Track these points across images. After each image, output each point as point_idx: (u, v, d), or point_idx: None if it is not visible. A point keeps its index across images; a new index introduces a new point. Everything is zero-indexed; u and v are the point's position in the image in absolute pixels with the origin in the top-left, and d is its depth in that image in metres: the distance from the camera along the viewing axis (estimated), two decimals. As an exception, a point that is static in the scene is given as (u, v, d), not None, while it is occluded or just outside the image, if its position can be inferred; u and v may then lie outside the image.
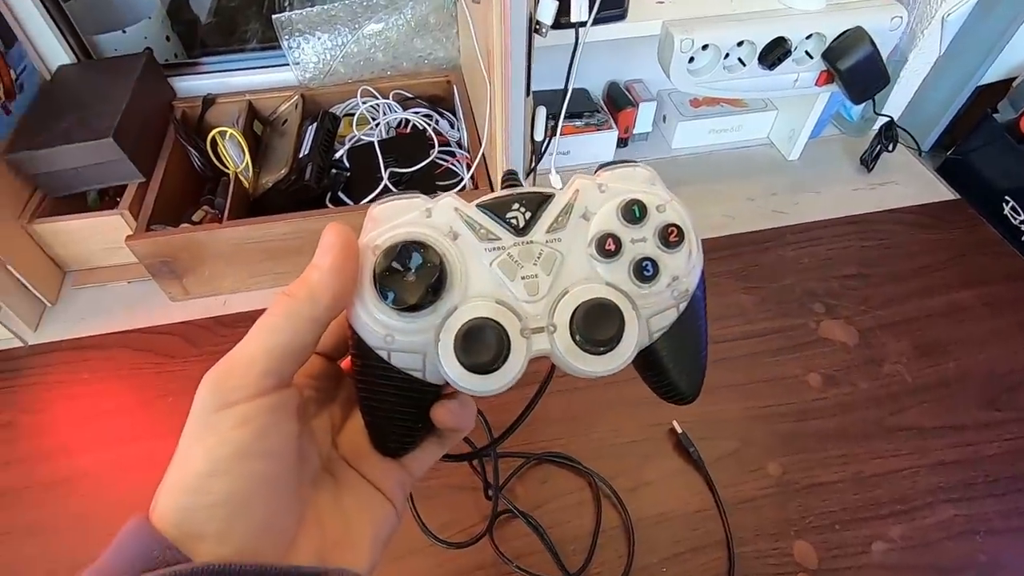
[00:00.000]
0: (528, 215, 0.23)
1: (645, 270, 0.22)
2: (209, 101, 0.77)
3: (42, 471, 0.56)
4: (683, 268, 0.23)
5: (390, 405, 0.23)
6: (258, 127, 0.78)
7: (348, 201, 0.69)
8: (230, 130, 0.71)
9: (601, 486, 0.55)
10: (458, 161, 0.72)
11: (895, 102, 0.84)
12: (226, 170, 0.72)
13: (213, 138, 0.71)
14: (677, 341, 0.23)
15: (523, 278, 0.22)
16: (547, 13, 0.48)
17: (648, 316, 0.23)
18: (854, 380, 0.63)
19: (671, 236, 0.23)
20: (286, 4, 0.76)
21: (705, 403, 0.61)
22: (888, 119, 0.83)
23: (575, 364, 0.22)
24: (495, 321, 0.21)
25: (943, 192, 0.84)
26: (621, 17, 0.64)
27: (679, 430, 0.58)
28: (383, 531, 0.24)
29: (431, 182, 0.71)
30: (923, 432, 0.60)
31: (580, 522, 0.54)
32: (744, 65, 0.68)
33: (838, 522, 0.54)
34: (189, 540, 0.18)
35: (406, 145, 0.73)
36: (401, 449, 0.25)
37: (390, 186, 0.68)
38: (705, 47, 0.66)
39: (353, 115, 0.77)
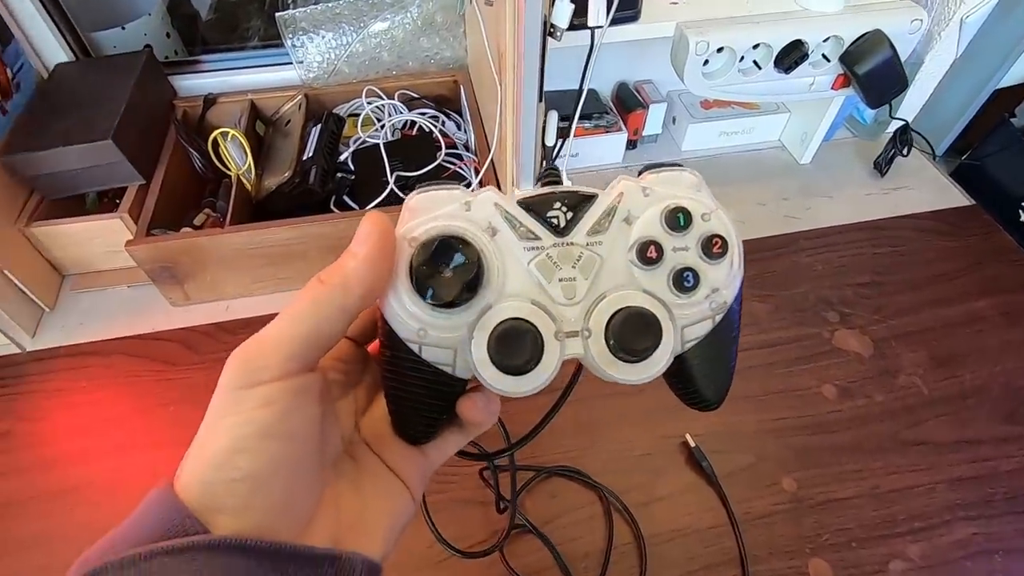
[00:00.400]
0: (569, 215, 0.22)
1: (685, 281, 0.22)
2: (210, 100, 0.75)
3: (44, 481, 0.55)
4: (723, 280, 0.22)
5: (416, 396, 0.23)
6: (260, 127, 0.76)
7: (353, 205, 0.68)
8: (232, 131, 0.69)
9: (612, 501, 0.54)
10: (465, 164, 0.71)
11: (909, 105, 0.83)
12: (228, 172, 0.70)
13: (215, 139, 0.70)
14: (709, 351, 0.23)
15: (560, 280, 0.22)
16: (563, 17, 0.46)
17: (683, 326, 0.22)
18: (869, 392, 0.62)
19: (715, 247, 0.22)
20: (289, 1, 0.74)
21: (719, 414, 0.60)
22: (903, 123, 0.81)
23: (607, 371, 0.22)
24: (530, 323, 0.21)
25: (958, 198, 0.82)
26: (634, 18, 0.63)
27: (692, 443, 0.57)
28: (399, 519, 0.24)
29: (438, 186, 0.69)
30: (939, 447, 0.59)
31: (591, 538, 0.53)
32: (760, 68, 0.67)
33: (854, 539, 0.53)
34: (209, 513, 0.18)
35: (412, 147, 0.71)
36: (423, 437, 0.25)
37: (396, 190, 0.66)
38: (720, 50, 0.64)
39: (358, 116, 0.75)
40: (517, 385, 0.21)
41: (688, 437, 0.58)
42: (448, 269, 0.21)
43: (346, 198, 0.68)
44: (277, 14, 0.70)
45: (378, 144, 0.70)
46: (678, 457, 0.58)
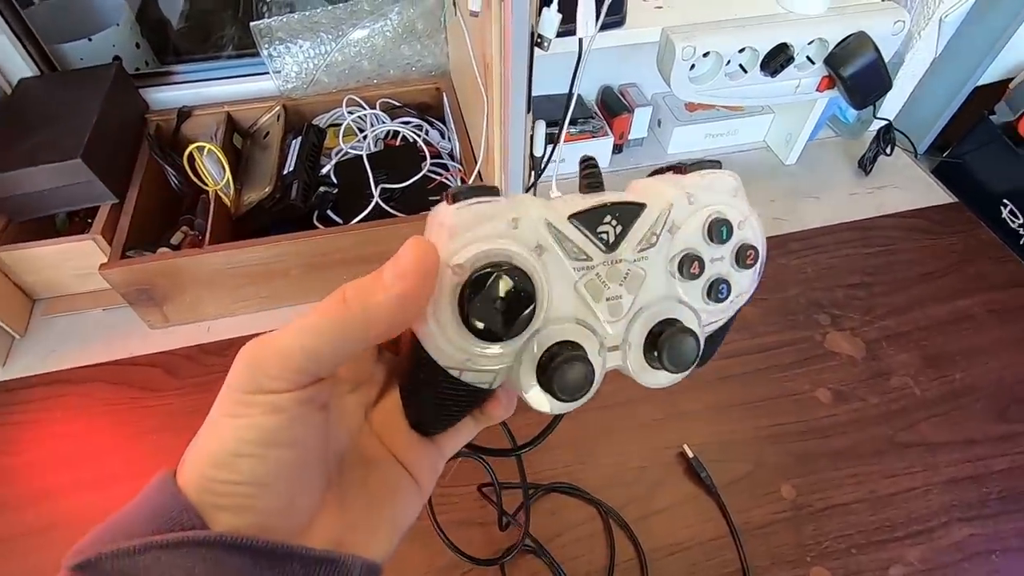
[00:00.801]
0: (619, 229, 0.21)
1: (720, 292, 0.23)
2: (185, 113, 0.72)
3: (20, 519, 0.52)
4: (748, 286, 0.23)
5: (444, 404, 0.22)
6: (238, 140, 0.74)
7: (337, 220, 0.66)
8: (208, 145, 0.67)
9: (612, 517, 0.53)
10: (452, 175, 0.69)
11: (890, 104, 0.83)
12: (205, 187, 0.68)
13: (191, 153, 0.67)
14: (712, 341, 0.24)
15: (608, 299, 0.22)
16: (550, 27, 0.45)
17: (704, 326, 0.23)
18: (863, 395, 0.62)
19: (748, 258, 0.23)
20: (263, 9, 0.72)
21: (716, 423, 0.60)
22: (886, 122, 0.82)
23: (645, 379, 0.22)
24: (579, 346, 0.21)
25: (941, 195, 0.83)
26: (620, 24, 0.62)
27: (690, 454, 0.57)
28: (405, 515, 0.24)
29: (423, 197, 0.68)
30: (934, 448, 0.59)
31: (592, 556, 0.52)
32: (746, 72, 0.66)
33: (854, 546, 0.53)
34: (209, 509, 0.18)
35: (396, 158, 0.70)
36: (438, 431, 0.25)
37: (381, 204, 0.64)
38: (706, 54, 0.63)
39: (338, 126, 0.73)
40: (563, 408, 0.21)
41: (686, 447, 0.57)
42: (502, 303, 0.19)
43: (329, 213, 0.66)
44: (252, 24, 0.68)
45: (361, 155, 0.68)
46: (676, 468, 0.57)
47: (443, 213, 0.20)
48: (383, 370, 0.25)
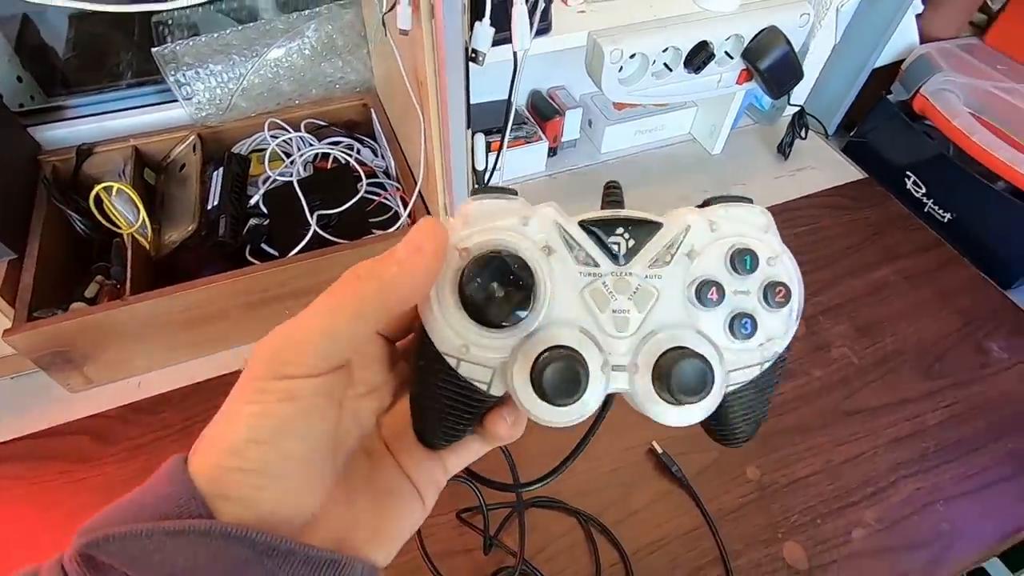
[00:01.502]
0: (631, 243, 0.21)
1: (743, 327, 0.21)
2: (85, 151, 0.66)
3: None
4: (780, 329, 0.22)
5: (444, 407, 0.22)
6: (150, 176, 0.68)
7: (273, 252, 0.62)
8: (117, 184, 0.61)
9: (592, 525, 0.53)
10: (390, 195, 0.67)
11: (800, 90, 0.88)
12: (118, 231, 0.62)
13: (97, 195, 0.61)
14: (749, 396, 0.22)
15: (614, 311, 0.21)
16: (484, 41, 0.44)
17: (730, 370, 0.22)
18: (807, 369, 0.66)
19: (778, 295, 0.21)
20: (164, 33, 0.67)
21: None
22: (799, 107, 0.87)
23: (650, 409, 0.21)
24: (578, 353, 0.20)
25: (853, 173, 0.89)
26: (547, 31, 0.61)
27: (659, 450, 0.58)
28: (406, 524, 0.24)
29: (363, 221, 0.65)
30: (875, 412, 0.63)
31: (578, 566, 0.52)
32: (671, 70, 0.68)
33: (819, 516, 0.56)
34: (216, 499, 0.18)
35: (330, 181, 0.66)
36: (443, 444, 0.24)
37: (320, 232, 0.61)
38: (633, 56, 0.64)
39: (263, 151, 0.69)
40: (557, 415, 0.20)
41: (655, 444, 0.58)
42: (500, 288, 0.20)
43: (264, 246, 0.62)
44: (154, 50, 0.63)
45: (291, 182, 0.64)
46: (646, 466, 0.58)
47: (463, 205, 0.21)
48: (396, 379, 0.25)
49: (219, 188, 0.62)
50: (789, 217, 0.81)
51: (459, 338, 0.20)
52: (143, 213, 0.61)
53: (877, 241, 0.80)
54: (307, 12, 0.68)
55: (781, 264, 0.22)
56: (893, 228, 0.81)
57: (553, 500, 0.55)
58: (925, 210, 0.83)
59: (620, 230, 0.21)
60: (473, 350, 0.21)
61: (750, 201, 0.22)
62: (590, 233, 0.21)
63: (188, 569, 0.17)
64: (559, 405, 0.20)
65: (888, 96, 0.88)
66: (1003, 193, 0.74)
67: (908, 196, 0.85)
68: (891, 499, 0.57)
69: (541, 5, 0.46)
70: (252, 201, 0.64)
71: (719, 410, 0.22)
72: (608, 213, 0.21)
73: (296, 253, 0.60)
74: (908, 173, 0.85)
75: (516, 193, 0.21)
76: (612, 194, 0.23)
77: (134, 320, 0.55)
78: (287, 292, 0.61)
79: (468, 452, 0.25)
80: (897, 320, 0.71)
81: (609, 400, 0.25)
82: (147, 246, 0.62)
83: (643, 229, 0.21)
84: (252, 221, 0.62)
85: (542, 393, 0.20)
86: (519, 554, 0.50)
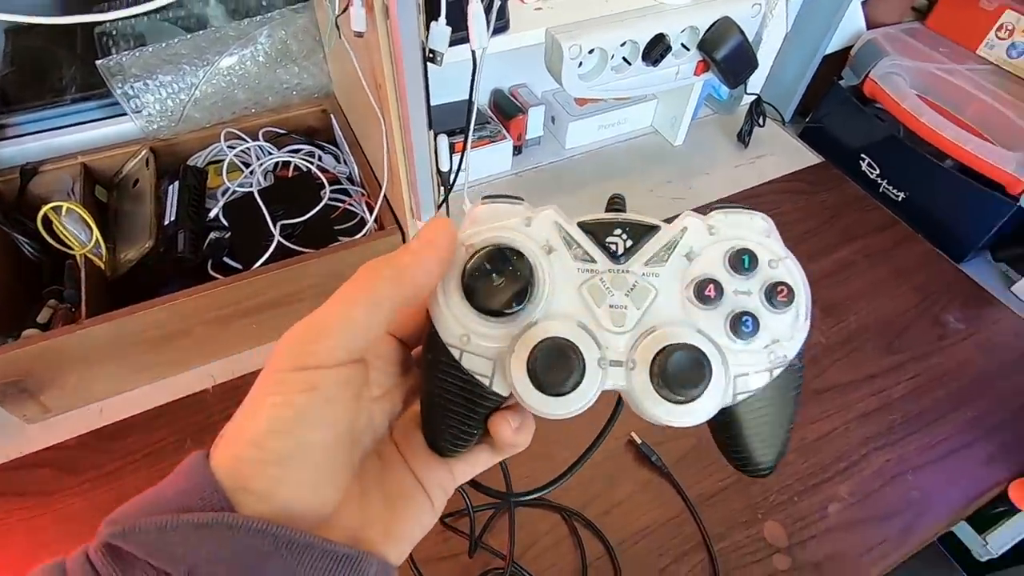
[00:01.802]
0: (629, 243, 0.22)
1: (744, 325, 0.21)
2: (30, 171, 0.63)
3: None
4: (786, 332, 0.21)
5: (448, 403, 0.22)
6: (101, 193, 0.65)
7: (236, 266, 0.60)
8: (66, 203, 0.59)
9: (576, 520, 0.54)
10: (355, 201, 0.66)
11: (754, 78, 0.90)
12: (70, 252, 0.59)
13: (45, 215, 0.58)
14: (763, 409, 0.22)
15: (611, 306, 0.22)
16: (441, 40, 0.43)
17: (736, 375, 0.21)
18: (778, 352, 0.67)
19: (780, 295, 0.21)
20: (109, 44, 0.64)
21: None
22: (755, 96, 0.89)
23: (648, 406, 0.21)
24: (573, 344, 0.21)
25: (810, 157, 0.91)
26: (504, 29, 0.61)
27: (639, 440, 0.58)
28: (418, 524, 0.24)
29: (329, 228, 0.64)
30: (844, 388, 0.65)
31: (564, 562, 0.52)
32: (629, 64, 0.68)
33: (795, 494, 0.57)
34: (237, 491, 0.19)
35: (292, 190, 0.65)
36: (451, 449, 0.24)
37: (284, 242, 0.60)
38: (591, 51, 0.65)
39: (220, 162, 0.67)
40: (552, 406, 0.21)
41: (634, 435, 0.59)
42: (499, 278, 0.21)
43: (226, 259, 0.60)
44: (99, 62, 0.60)
45: (252, 192, 0.63)
46: (627, 457, 0.58)
47: (472, 208, 0.23)
48: (409, 384, 0.25)
49: (175, 202, 0.60)
50: (752, 204, 0.83)
51: (461, 327, 0.21)
52: (96, 232, 0.59)
53: (835, 223, 0.82)
54: (259, 18, 0.67)
55: (784, 266, 0.22)
56: (850, 209, 0.84)
57: (537, 497, 0.55)
58: (880, 190, 0.86)
59: (618, 231, 0.22)
60: (474, 339, 0.21)
61: (751, 209, 0.23)
62: (589, 233, 0.22)
63: (210, 561, 0.17)
64: (554, 395, 0.20)
65: (839, 82, 0.90)
66: (951, 171, 0.77)
67: (863, 178, 0.88)
68: (863, 472, 0.59)
69: (497, 3, 0.45)
70: (211, 214, 0.62)
71: (733, 427, 0.22)
72: (607, 215, 0.22)
73: (260, 265, 0.58)
74: (862, 155, 0.87)
75: (522, 199, 0.23)
76: (615, 204, 0.24)
77: (92, 344, 0.53)
78: (254, 306, 0.59)
79: (477, 462, 0.26)
80: (859, 298, 0.73)
81: (617, 410, 0.26)
82: (102, 266, 0.60)
83: (641, 230, 0.22)
84: (212, 235, 0.60)
85: (537, 382, 0.20)
86: (508, 556, 0.50)
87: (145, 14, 0.66)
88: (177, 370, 0.60)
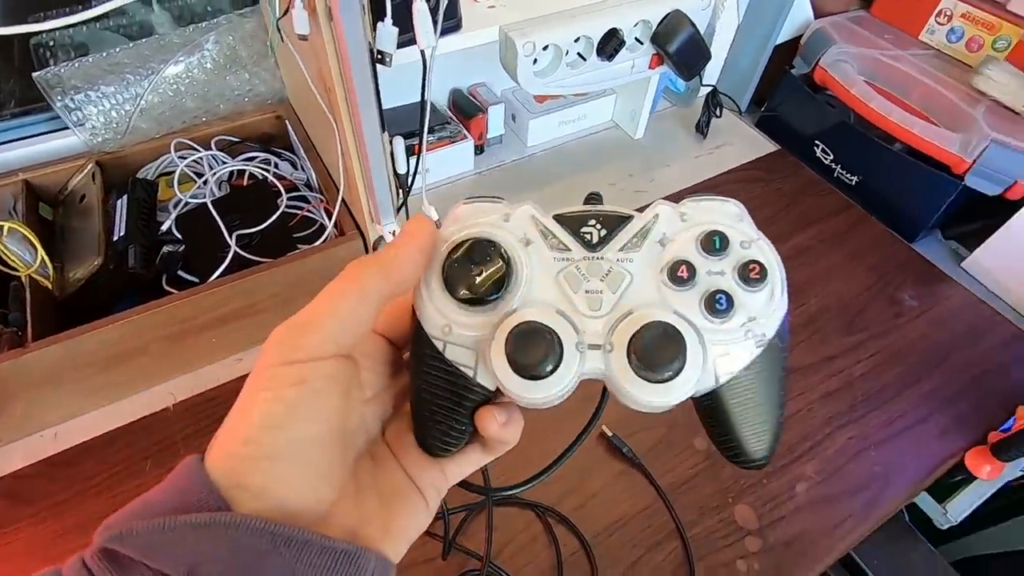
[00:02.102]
0: (603, 232, 0.23)
1: (718, 303, 0.21)
2: (-33, 190, 0.60)
3: None
4: (762, 309, 0.21)
5: (435, 397, 0.23)
6: (46, 211, 0.63)
7: (192, 279, 0.59)
8: (8, 223, 0.56)
9: (550, 516, 0.54)
10: (314, 207, 0.65)
11: (710, 70, 0.92)
12: (14, 273, 0.57)
13: (-14, 237, 0.56)
14: (746, 392, 0.21)
15: (587, 292, 0.22)
16: (389, 41, 0.43)
17: (717, 355, 0.21)
18: (742, 338, 0.69)
19: (752, 272, 0.21)
20: (46, 55, 0.62)
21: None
22: (712, 87, 0.90)
23: (627, 388, 0.21)
24: (550, 328, 0.21)
25: (767, 146, 0.93)
26: (457, 28, 0.61)
27: (609, 433, 0.59)
28: (414, 523, 0.24)
29: (288, 236, 0.63)
30: (806, 370, 0.66)
31: (540, 559, 0.52)
32: (585, 59, 0.69)
33: (764, 476, 0.58)
34: (232, 489, 0.19)
35: (248, 199, 0.64)
36: (441, 448, 0.24)
37: (240, 252, 0.59)
38: (546, 47, 0.65)
39: (171, 174, 0.65)
40: (531, 390, 0.21)
41: (604, 428, 0.59)
42: (477, 268, 0.22)
43: (181, 273, 0.59)
44: (36, 75, 0.58)
45: (205, 203, 0.61)
46: (599, 450, 0.59)
47: (454, 208, 0.24)
48: (400, 385, 0.26)
49: (124, 217, 0.58)
50: (713, 194, 0.84)
51: (443, 318, 0.22)
52: (41, 252, 0.57)
53: (793, 209, 0.84)
54: (205, 24, 0.65)
55: (756, 247, 0.22)
56: (806, 195, 0.86)
57: (513, 494, 0.55)
58: (835, 175, 0.88)
59: (592, 221, 0.23)
60: (456, 329, 0.22)
61: (724, 197, 0.23)
62: (564, 225, 0.23)
63: (208, 561, 0.17)
64: (533, 378, 0.21)
65: (791, 70, 0.92)
66: (900, 154, 0.79)
67: (818, 163, 0.90)
68: (827, 451, 0.60)
69: (444, 2, 0.45)
70: (164, 227, 0.61)
71: (721, 413, 0.22)
72: (583, 208, 0.23)
73: (217, 277, 0.57)
74: (816, 142, 0.89)
75: (503, 199, 0.24)
76: (592, 199, 0.25)
77: (41, 367, 0.51)
78: (214, 319, 0.58)
79: (468, 461, 0.26)
80: (818, 282, 0.75)
81: (603, 401, 0.26)
82: (50, 286, 0.58)
83: (614, 220, 0.23)
84: (165, 248, 0.59)
85: (516, 366, 0.21)
86: (485, 556, 0.50)
87: (84, 23, 0.63)
88: (135, 390, 0.59)
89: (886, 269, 0.77)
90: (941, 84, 0.78)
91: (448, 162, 0.81)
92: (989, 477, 0.60)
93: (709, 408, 0.22)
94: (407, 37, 0.49)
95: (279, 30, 0.49)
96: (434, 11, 0.45)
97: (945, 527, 0.65)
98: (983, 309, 0.73)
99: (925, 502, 0.66)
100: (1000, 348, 0.69)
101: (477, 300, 0.22)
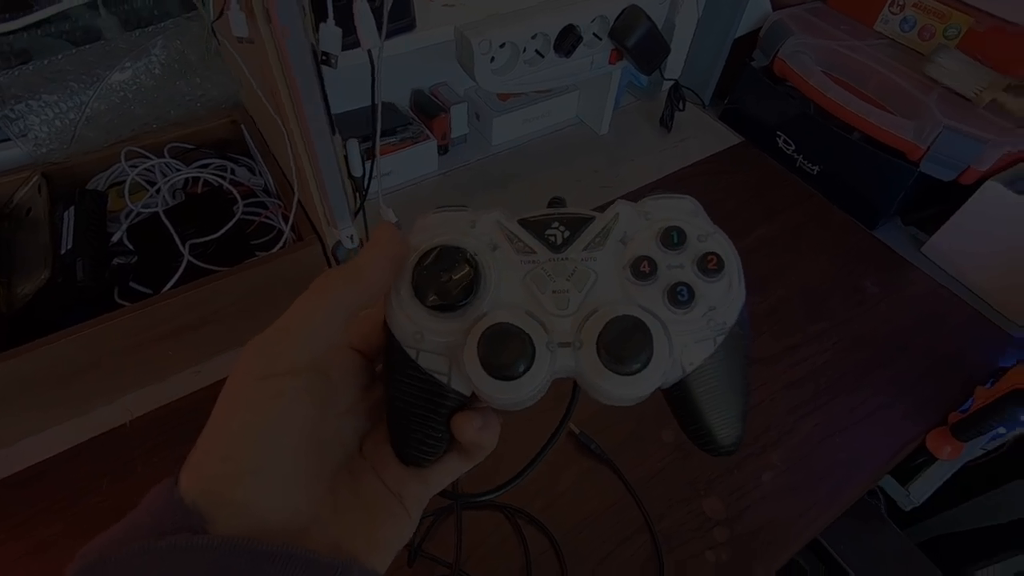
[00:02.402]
0: (567, 234, 0.23)
1: (680, 295, 0.22)
2: (-96, 206, 0.58)
3: None
4: (721, 299, 0.22)
5: (410, 406, 0.23)
6: (-9, 225, 0.61)
7: (145, 291, 0.57)
8: (-51, 239, 0.54)
9: (519, 517, 0.54)
10: (272, 213, 0.64)
11: (673, 65, 0.92)
12: (-41, 290, 0.55)
13: (-75, 254, 0.54)
14: (712, 380, 0.22)
15: (554, 292, 0.23)
16: (333, 42, 0.42)
17: (682, 346, 0.22)
18: (708, 330, 0.69)
19: (710, 264, 0.22)
20: (-16, 64, 0.59)
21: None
22: (673, 81, 0.90)
23: (599, 382, 0.21)
24: (521, 328, 0.21)
25: (730, 138, 0.94)
26: (410, 27, 0.60)
27: (577, 431, 0.59)
28: (396, 533, 0.24)
29: (245, 243, 0.61)
30: (770, 360, 0.67)
31: (509, 561, 0.52)
32: (543, 56, 0.69)
33: (731, 466, 0.58)
34: (209, 508, 0.19)
35: (201, 207, 0.62)
36: (419, 457, 0.24)
37: (194, 262, 0.57)
38: (502, 45, 0.64)
39: (122, 184, 0.63)
40: (504, 391, 0.21)
41: (571, 426, 0.59)
42: (446, 275, 0.22)
43: (133, 285, 0.57)
44: (-31, 85, 0.56)
45: (157, 212, 0.60)
46: (567, 448, 0.59)
47: (420, 219, 0.24)
48: (375, 397, 0.26)
49: (71, 229, 0.56)
50: (678, 187, 0.85)
51: (414, 325, 0.22)
52: (-14, 267, 0.55)
53: (757, 200, 0.85)
54: (151, 28, 0.63)
55: (712, 240, 0.23)
56: (770, 186, 0.87)
57: (481, 500, 0.54)
58: (797, 165, 0.89)
59: (556, 224, 0.24)
60: (428, 336, 0.22)
61: (681, 195, 0.24)
62: (529, 229, 0.24)
63: None
64: (506, 379, 0.21)
65: (752, 63, 0.93)
66: (859, 142, 0.80)
67: (780, 154, 0.91)
68: (793, 439, 0.61)
69: (390, 2, 0.44)
70: (114, 238, 0.59)
71: (689, 403, 0.22)
72: (546, 211, 0.24)
73: (171, 285, 0.56)
74: (778, 133, 0.90)
75: (467, 207, 0.24)
76: (555, 203, 0.26)
77: (-13, 387, 0.50)
78: (170, 330, 0.56)
79: (448, 470, 0.26)
80: (782, 271, 0.76)
81: (573, 400, 0.26)
82: (-4, 303, 0.56)
83: (577, 222, 0.24)
84: (115, 260, 0.57)
85: (489, 367, 0.21)
86: (455, 562, 0.49)
87: (25, 29, 0.61)
88: (90, 406, 0.57)
89: (848, 257, 0.78)
90: (896, 73, 0.80)
91: (411, 163, 0.81)
92: (949, 457, 0.61)
93: (678, 399, 0.23)
94: (352, 40, 0.49)
95: (214, 33, 0.47)
96: (379, 11, 0.44)
97: (908, 508, 0.66)
98: (942, 292, 0.75)
99: (889, 485, 0.67)
100: (958, 331, 0.71)
101: (447, 306, 0.22)
